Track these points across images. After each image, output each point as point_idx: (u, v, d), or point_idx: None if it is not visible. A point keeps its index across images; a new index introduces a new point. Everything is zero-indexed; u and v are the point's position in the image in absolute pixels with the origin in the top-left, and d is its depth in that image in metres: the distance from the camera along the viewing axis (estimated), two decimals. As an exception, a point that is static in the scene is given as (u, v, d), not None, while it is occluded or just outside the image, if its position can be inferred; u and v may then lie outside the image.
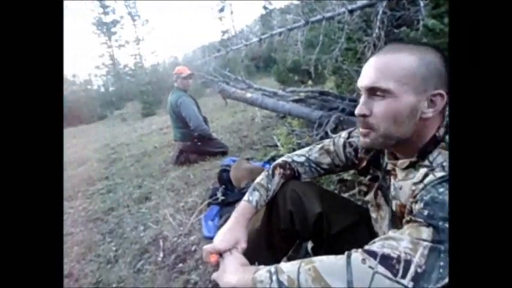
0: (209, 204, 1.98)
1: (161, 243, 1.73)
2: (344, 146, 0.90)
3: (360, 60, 2.15)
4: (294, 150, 1.92)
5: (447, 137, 0.63)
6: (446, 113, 0.65)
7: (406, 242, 0.53)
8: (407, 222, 0.58)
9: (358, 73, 0.69)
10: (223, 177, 2.14)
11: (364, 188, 0.87)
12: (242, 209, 0.86)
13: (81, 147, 6.08)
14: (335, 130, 1.88)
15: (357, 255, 0.55)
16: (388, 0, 1.69)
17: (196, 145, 3.09)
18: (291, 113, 2.52)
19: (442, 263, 0.51)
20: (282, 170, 0.93)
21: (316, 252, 1.06)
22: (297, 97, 2.72)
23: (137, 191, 2.69)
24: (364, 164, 0.85)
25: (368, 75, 0.65)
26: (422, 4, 1.52)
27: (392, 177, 0.74)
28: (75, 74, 18.21)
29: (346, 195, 1.57)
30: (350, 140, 0.89)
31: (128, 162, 3.77)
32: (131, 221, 2.14)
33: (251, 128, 3.92)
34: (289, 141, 2.41)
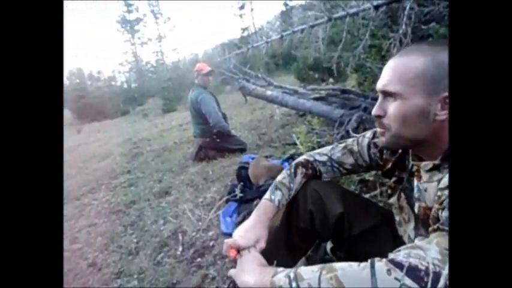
0: (227, 201, 1.99)
1: (180, 237, 1.76)
2: (369, 147, 0.87)
3: (384, 58, 2.09)
4: (313, 148, 1.90)
5: None
6: None
7: (434, 252, 0.50)
8: (435, 230, 0.55)
9: (382, 71, 0.69)
10: (242, 174, 2.14)
11: (389, 191, 0.84)
12: (264, 208, 0.85)
13: (105, 141, 6.31)
14: (357, 129, 1.84)
15: (381, 264, 0.52)
16: (416, -5, 1.63)
17: (215, 141, 3.11)
18: (312, 111, 2.49)
19: None
20: (304, 170, 0.92)
21: (335, 252, 1.04)
22: (317, 95, 2.69)
23: (157, 185, 2.75)
24: (390, 165, 0.82)
25: (382, 77, 0.67)
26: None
27: (416, 179, 0.72)
28: (100, 71, 18.89)
29: (367, 196, 1.53)
30: (375, 140, 0.86)
31: (149, 157, 3.87)
32: (151, 215, 2.19)
33: (270, 126, 3.90)
34: (308, 139, 2.37)
